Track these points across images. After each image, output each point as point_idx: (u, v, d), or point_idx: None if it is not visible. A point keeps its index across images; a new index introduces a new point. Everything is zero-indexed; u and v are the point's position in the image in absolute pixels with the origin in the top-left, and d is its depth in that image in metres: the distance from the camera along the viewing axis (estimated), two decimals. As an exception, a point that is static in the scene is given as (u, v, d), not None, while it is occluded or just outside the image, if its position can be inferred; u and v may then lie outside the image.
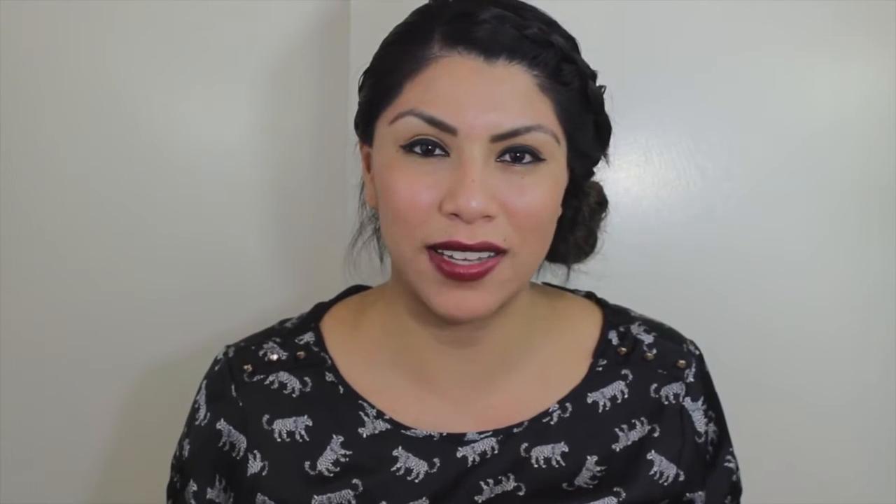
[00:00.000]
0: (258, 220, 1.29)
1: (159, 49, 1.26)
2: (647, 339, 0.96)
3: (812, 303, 1.22)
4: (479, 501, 0.89)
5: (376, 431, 0.90)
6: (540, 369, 0.93)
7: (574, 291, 1.03)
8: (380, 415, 0.91)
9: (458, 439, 0.90)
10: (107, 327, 1.29)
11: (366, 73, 0.89)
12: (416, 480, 0.88)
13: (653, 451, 0.92)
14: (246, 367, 0.93)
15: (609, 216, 1.00)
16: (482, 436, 0.90)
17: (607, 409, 0.92)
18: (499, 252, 0.80)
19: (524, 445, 0.90)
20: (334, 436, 0.90)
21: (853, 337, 1.22)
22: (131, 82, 1.26)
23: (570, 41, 0.86)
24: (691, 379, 0.95)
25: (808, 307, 1.22)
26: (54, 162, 1.26)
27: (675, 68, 1.22)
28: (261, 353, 0.94)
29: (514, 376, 0.93)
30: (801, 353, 1.23)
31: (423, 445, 0.89)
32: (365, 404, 0.91)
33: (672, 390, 0.94)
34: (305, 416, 0.91)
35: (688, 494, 0.93)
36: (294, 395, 0.92)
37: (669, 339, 0.98)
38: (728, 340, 1.20)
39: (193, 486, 0.93)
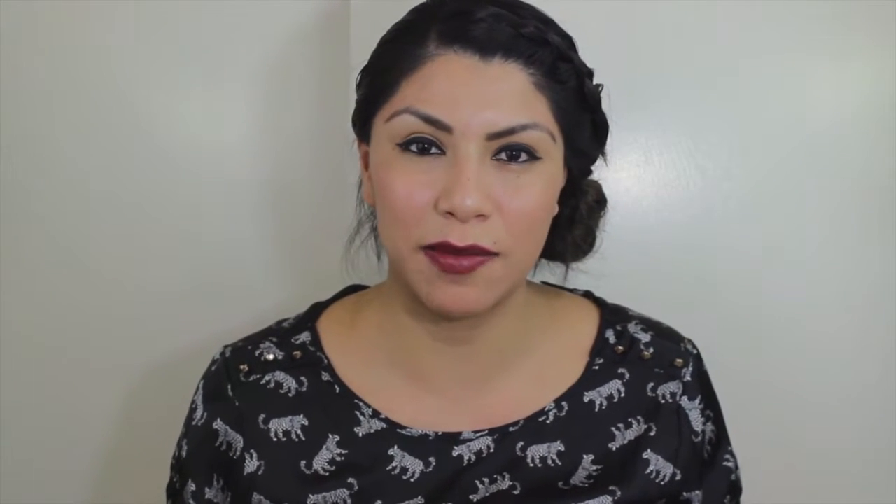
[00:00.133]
0: (258, 219, 1.29)
1: (159, 48, 1.26)
2: (645, 337, 0.96)
3: (812, 303, 1.22)
4: (475, 500, 0.89)
5: (372, 430, 0.90)
6: (536, 368, 0.93)
7: (572, 290, 1.03)
8: (375, 414, 0.91)
9: (454, 438, 0.90)
10: (106, 327, 1.29)
11: (363, 71, 0.89)
12: (412, 479, 0.88)
13: (649, 451, 0.91)
14: (242, 366, 0.94)
15: (609, 216, 1.00)
16: (478, 435, 0.90)
17: (604, 407, 0.92)
18: (488, 255, 0.80)
19: (520, 444, 0.90)
20: (330, 435, 0.90)
21: (853, 337, 1.22)
22: (131, 81, 1.27)
23: (567, 40, 0.86)
24: (688, 378, 0.95)
25: (807, 307, 1.22)
26: (54, 162, 1.27)
27: (676, 68, 1.21)
28: (257, 352, 0.94)
29: (511, 375, 0.93)
30: (800, 353, 1.22)
31: (419, 444, 0.89)
32: (361, 403, 0.91)
33: (669, 389, 0.94)
34: (301, 416, 0.91)
35: (684, 494, 0.92)
36: (290, 395, 0.92)
37: (667, 338, 0.97)
38: (727, 340, 1.19)
39: (192, 486, 0.94)
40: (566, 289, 1.03)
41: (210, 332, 1.24)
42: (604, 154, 0.93)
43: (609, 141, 0.92)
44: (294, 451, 0.90)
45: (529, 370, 0.93)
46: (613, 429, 0.92)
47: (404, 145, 0.81)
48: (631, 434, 0.92)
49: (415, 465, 0.89)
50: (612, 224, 1.01)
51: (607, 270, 1.01)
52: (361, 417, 0.91)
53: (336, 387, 0.92)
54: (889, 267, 1.21)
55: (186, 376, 1.01)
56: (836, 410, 1.22)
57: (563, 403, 0.92)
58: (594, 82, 0.88)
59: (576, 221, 0.96)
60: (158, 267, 1.29)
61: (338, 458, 0.90)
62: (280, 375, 0.93)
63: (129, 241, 1.28)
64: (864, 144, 1.20)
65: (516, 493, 0.89)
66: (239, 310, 1.27)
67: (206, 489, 0.93)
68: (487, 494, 0.89)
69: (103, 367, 1.30)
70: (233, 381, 0.93)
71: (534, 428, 0.91)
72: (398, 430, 0.90)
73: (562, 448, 0.90)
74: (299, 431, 0.91)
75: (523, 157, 0.81)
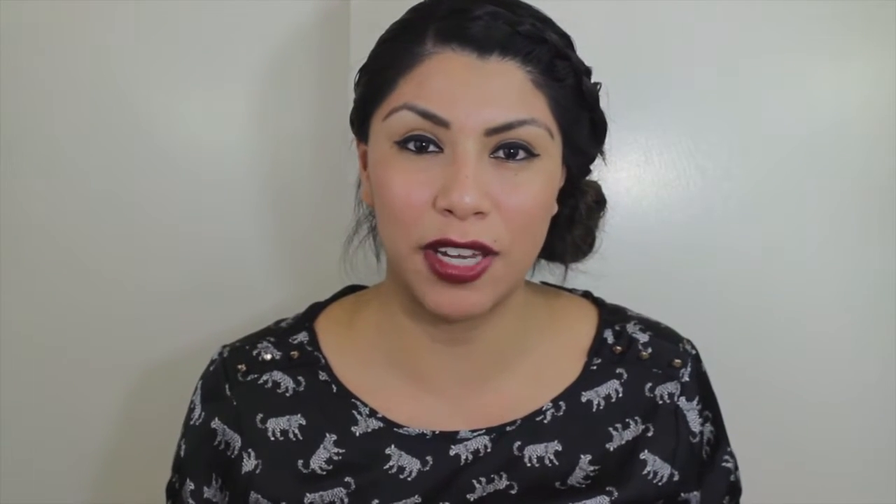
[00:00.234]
0: (257, 219, 1.30)
1: (159, 48, 1.27)
2: (643, 337, 0.96)
3: (812, 303, 1.22)
4: (472, 500, 0.88)
5: (369, 430, 0.90)
6: (534, 368, 0.93)
7: (571, 290, 1.03)
8: (373, 413, 0.91)
9: (451, 437, 0.89)
10: (106, 327, 1.30)
11: (361, 70, 0.89)
12: (409, 478, 0.88)
13: (646, 451, 0.91)
14: (240, 366, 0.94)
15: (609, 216, 1.00)
16: (475, 434, 0.90)
17: (601, 408, 0.92)
18: (489, 253, 0.80)
19: (517, 444, 0.90)
20: (327, 434, 0.90)
21: (853, 337, 1.22)
22: (131, 81, 1.27)
23: (564, 38, 0.85)
24: (686, 378, 0.95)
25: (807, 307, 1.22)
26: (54, 161, 1.27)
27: (676, 68, 1.21)
28: (255, 352, 0.95)
29: (509, 375, 0.92)
30: (800, 353, 1.22)
31: (416, 444, 0.89)
32: (358, 403, 0.91)
33: (667, 389, 0.94)
34: (299, 415, 0.91)
35: (682, 494, 0.92)
36: (287, 395, 0.92)
37: (665, 338, 0.97)
38: (727, 340, 1.19)
39: (190, 486, 0.94)
40: (565, 289, 1.02)
41: (209, 331, 1.24)
42: (602, 153, 0.93)
43: (608, 140, 0.92)
44: (291, 450, 0.90)
45: (527, 370, 0.93)
46: (611, 429, 0.92)
47: (402, 143, 0.81)
48: (628, 434, 0.92)
49: (412, 465, 0.89)
50: (611, 224, 1.01)
51: (607, 271, 1.01)
52: (359, 417, 0.91)
53: (333, 386, 0.92)
54: (889, 267, 1.21)
55: (186, 376, 1.01)
56: (836, 410, 1.22)
57: (561, 403, 0.92)
58: (592, 80, 0.88)
59: (575, 222, 0.96)
60: (158, 267, 1.29)
61: (335, 457, 0.89)
62: (278, 375, 0.93)
63: (129, 241, 1.28)
64: (864, 144, 1.20)
65: (513, 492, 0.89)
66: (238, 310, 1.27)
67: (205, 488, 0.93)
68: (484, 494, 0.88)
69: (103, 367, 1.30)
70: (231, 380, 0.93)
71: (531, 428, 0.90)
72: (395, 429, 0.90)
73: (559, 448, 0.90)
74: (297, 431, 0.91)
75: (521, 154, 0.81)
